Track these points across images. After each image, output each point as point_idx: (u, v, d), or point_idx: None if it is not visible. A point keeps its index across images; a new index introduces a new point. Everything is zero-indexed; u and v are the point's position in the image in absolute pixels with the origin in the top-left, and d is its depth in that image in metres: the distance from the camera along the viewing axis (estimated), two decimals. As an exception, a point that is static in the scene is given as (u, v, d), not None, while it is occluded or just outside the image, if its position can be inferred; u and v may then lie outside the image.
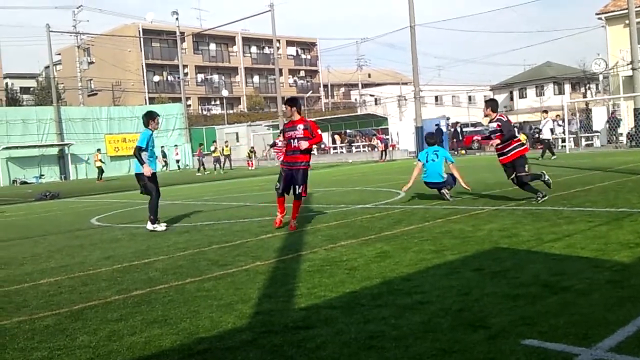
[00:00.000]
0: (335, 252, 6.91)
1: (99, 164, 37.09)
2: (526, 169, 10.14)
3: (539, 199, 9.73)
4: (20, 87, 70.31)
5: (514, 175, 9.91)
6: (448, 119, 41.34)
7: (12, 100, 63.78)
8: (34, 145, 42.67)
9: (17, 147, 41.65)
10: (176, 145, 49.64)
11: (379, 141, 39.66)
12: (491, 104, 10.33)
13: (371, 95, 74.38)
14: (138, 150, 9.93)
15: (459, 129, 39.56)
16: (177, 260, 7.25)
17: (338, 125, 50.83)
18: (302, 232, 8.81)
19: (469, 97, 73.31)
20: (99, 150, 40.21)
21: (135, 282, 6.16)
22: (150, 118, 10.09)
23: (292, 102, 9.19)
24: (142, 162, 9.92)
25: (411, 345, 3.66)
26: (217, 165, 36.11)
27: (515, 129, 10.96)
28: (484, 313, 4.19)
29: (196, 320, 4.60)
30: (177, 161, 49.16)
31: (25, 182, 40.41)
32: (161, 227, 10.02)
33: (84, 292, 5.85)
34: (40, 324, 4.83)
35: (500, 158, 10.11)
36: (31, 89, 69.44)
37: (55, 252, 8.61)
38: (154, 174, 10.10)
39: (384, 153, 37.91)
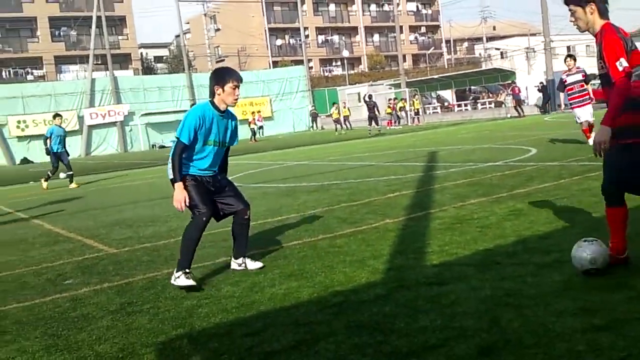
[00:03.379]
0: (466, 210, 6.81)
1: (252, 125, 38.59)
2: None
3: None
4: (154, 57, 74.45)
5: None
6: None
7: (148, 69, 67.81)
8: (169, 111, 45.27)
9: (154, 114, 44.42)
10: (258, 111, 44.37)
11: (513, 95, 37.18)
12: None
13: (496, 49, 71.18)
14: (179, 153, 4.89)
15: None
16: (307, 218, 7.48)
17: (462, 82, 49.33)
18: (429, 190, 8.74)
19: (606, 47, 67.97)
20: (252, 112, 41.79)
21: (271, 238, 6.45)
22: (217, 82, 5.04)
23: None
24: (175, 174, 4.89)
25: (550, 304, 3.56)
26: (338, 126, 36.84)
27: None
28: (628, 274, 3.98)
29: (331, 274, 4.75)
30: (259, 128, 41.87)
31: (163, 146, 43.12)
32: (186, 281, 4.76)
33: (224, 247, 6.21)
34: (187, 276, 5.20)
35: None
36: (164, 57, 73.41)
37: (195, 210, 9.16)
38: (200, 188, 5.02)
39: (519, 108, 34.93)
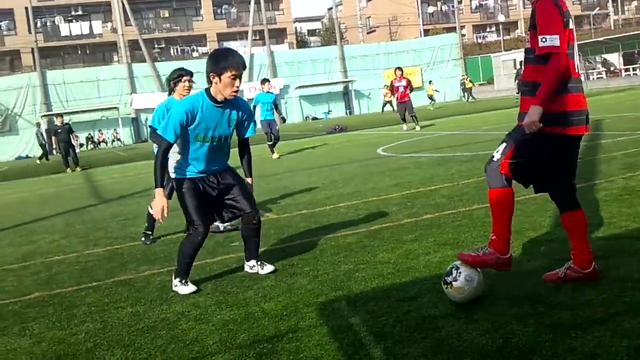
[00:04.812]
0: (636, 182, 6.33)
1: (387, 98, 38.55)
2: None
3: None
4: (308, 30, 76.21)
5: None
6: None
7: (301, 43, 69.58)
8: (322, 83, 46.26)
9: (307, 86, 45.64)
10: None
11: None
12: None
13: (675, 6, 64.13)
14: (162, 153, 4.28)
15: None
16: (462, 187, 7.36)
17: (630, 44, 45.14)
18: (593, 160, 8.21)
19: None
20: (386, 86, 41.85)
21: (424, 206, 6.45)
22: (212, 69, 4.26)
23: None
24: (155, 178, 4.24)
25: None
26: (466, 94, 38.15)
27: None
28: None
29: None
30: (387, 103, 38.19)
31: (315, 118, 44.33)
32: (185, 288, 4.44)
33: (378, 215, 6.32)
34: (343, 241, 5.39)
35: None
36: (317, 30, 74.89)
37: (349, 179, 9.39)
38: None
39: None
